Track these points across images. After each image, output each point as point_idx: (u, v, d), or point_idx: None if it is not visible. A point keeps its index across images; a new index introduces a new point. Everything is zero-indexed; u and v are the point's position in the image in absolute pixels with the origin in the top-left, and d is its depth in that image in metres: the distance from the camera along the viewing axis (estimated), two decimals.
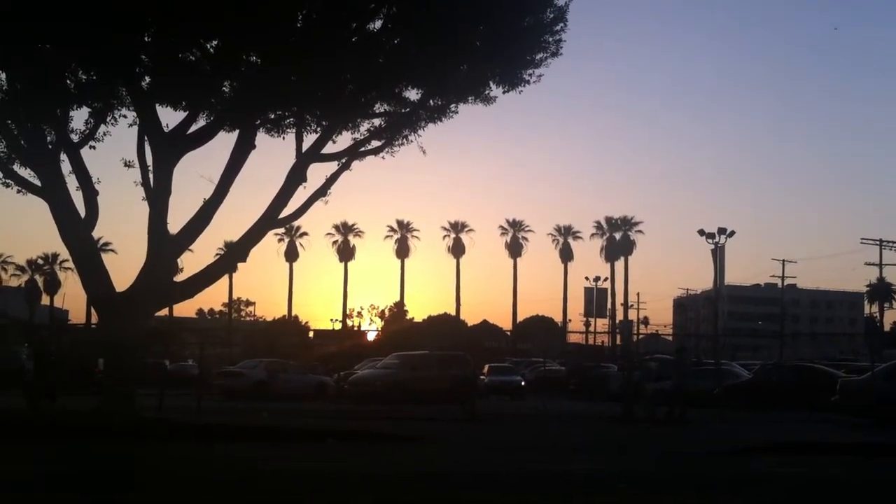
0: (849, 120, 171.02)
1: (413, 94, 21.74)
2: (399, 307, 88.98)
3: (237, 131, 21.11)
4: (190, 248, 22.21)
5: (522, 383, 38.43)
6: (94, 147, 20.97)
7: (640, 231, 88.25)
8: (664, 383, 27.17)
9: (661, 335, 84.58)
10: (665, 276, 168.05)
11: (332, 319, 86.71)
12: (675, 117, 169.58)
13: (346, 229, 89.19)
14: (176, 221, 21.09)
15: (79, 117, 21.12)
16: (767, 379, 30.47)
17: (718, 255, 36.48)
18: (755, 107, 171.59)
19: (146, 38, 19.70)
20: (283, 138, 22.23)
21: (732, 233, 44.91)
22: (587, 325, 66.69)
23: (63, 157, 20.55)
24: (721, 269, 35.51)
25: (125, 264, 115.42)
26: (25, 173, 20.55)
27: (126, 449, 16.01)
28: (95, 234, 21.54)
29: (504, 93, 21.42)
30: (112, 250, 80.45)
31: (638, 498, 11.29)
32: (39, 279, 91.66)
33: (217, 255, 59.97)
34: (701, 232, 45.30)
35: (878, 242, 72.62)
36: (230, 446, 16.78)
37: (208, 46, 20.10)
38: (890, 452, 17.23)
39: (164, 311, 57.13)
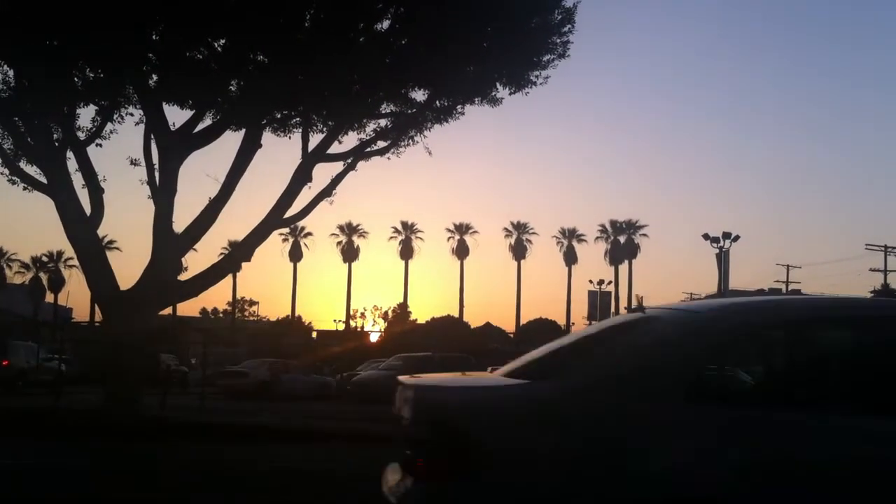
0: (855, 124, 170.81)
1: (419, 95, 21.78)
2: (402, 308, 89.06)
3: (243, 130, 21.13)
4: (194, 247, 22.24)
5: None
6: (100, 145, 21.06)
7: (644, 234, 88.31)
8: None
9: None
10: (669, 280, 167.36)
11: (335, 320, 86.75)
12: (682, 120, 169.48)
13: (350, 230, 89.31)
14: (181, 220, 21.14)
15: (85, 115, 21.24)
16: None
17: (723, 259, 36.45)
18: (761, 110, 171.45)
19: (154, 37, 19.72)
20: (290, 138, 22.29)
21: (737, 237, 44.81)
22: None
23: (69, 154, 20.58)
24: (725, 274, 35.49)
25: (130, 263, 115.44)
26: (32, 170, 20.62)
27: (127, 448, 16.00)
28: (100, 232, 21.59)
29: (511, 94, 21.43)
30: (117, 248, 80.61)
31: None
32: (44, 277, 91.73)
33: (221, 254, 59.93)
34: (706, 236, 45.19)
35: (882, 248, 72.43)
36: (232, 446, 16.76)
37: (216, 45, 20.12)
38: None
39: (168, 310, 57.21)
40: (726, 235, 44.51)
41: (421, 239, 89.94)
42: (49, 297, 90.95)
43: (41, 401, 23.00)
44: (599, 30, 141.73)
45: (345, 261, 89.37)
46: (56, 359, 30.23)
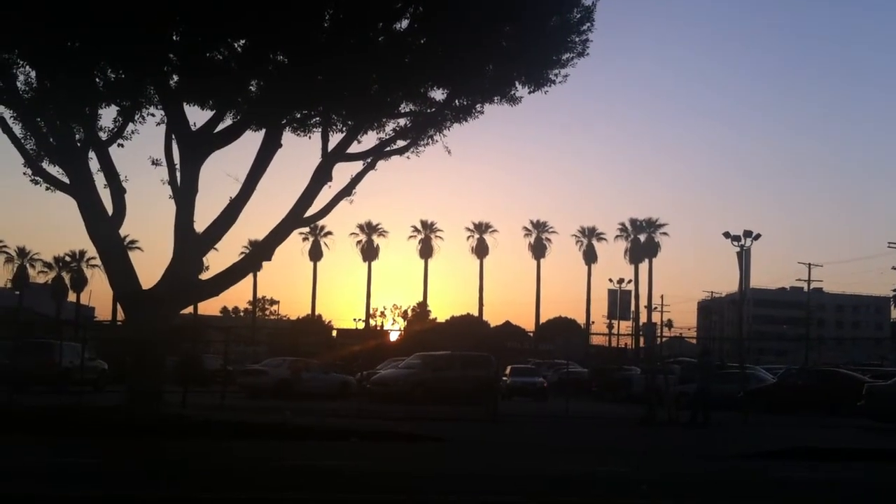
0: (877, 122, 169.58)
1: (439, 94, 21.79)
2: (422, 307, 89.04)
3: (264, 130, 21.22)
4: (215, 246, 22.34)
5: (545, 385, 38.33)
6: (122, 145, 21.19)
7: (664, 233, 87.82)
8: (688, 386, 27.06)
9: (685, 338, 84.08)
10: (690, 279, 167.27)
11: (355, 319, 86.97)
12: (702, 118, 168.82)
13: (370, 229, 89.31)
14: (202, 220, 21.26)
15: (107, 115, 21.34)
16: (792, 383, 30.28)
17: (744, 257, 36.14)
18: (783, 108, 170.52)
19: (174, 37, 19.83)
20: (309, 138, 22.38)
21: (758, 235, 44.36)
22: (610, 327, 66.54)
23: (91, 154, 20.74)
24: (746, 272, 35.19)
25: (151, 262, 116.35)
26: (54, 171, 20.78)
27: (147, 445, 16.13)
28: (122, 231, 21.75)
29: (530, 93, 21.40)
30: (139, 248, 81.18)
31: (661, 501, 11.25)
32: (66, 276, 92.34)
33: (242, 253, 60.23)
34: (726, 234, 44.79)
35: None
36: (254, 443, 16.85)
37: (236, 45, 20.21)
38: None
39: (189, 309, 57.50)
40: (747, 234, 44.11)
41: (440, 238, 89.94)
42: (72, 297, 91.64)
43: (73, 399, 23.12)
44: (619, 28, 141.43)
45: (364, 260, 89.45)
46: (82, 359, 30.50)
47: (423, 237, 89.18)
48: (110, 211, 20.76)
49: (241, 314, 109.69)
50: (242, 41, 20.10)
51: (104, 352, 35.31)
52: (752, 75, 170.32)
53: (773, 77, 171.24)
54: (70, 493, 10.53)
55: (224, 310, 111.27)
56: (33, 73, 20.00)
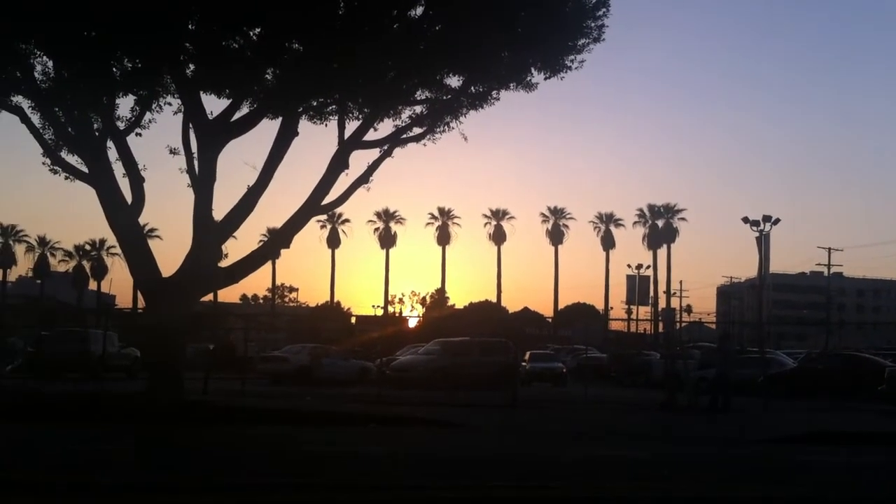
0: None
1: (454, 81, 21.73)
2: (440, 294, 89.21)
3: (280, 119, 21.25)
4: (234, 234, 22.43)
5: (564, 370, 38.31)
6: (139, 134, 21.29)
7: (683, 218, 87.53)
8: (708, 371, 27.00)
9: (705, 323, 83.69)
10: (708, 264, 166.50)
11: (373, 306, 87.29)
12: (720, 103, 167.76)
13: (387, 216, 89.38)
14: (220, 208, 21.35)
15: (125, 105, 21.47)
16: (813, 368, 30.15)
17: (763, 242, 36.00)
18: (801, 92, 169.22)
19: (190, 26, 19.87)
20: (326, 125, 22.39)
21: (777, 220, 44.26)
22: (629, 312, 66.46)
23: (109, 143, 20.84)
24: (766, 257, 35.06)
25: (171, 250, 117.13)
26: (73, 160, 20.89)
27: (170, 432, 16.25)
28: (141, 220, 21.86)
29: (546, 79, 21.33)
30: (158, 236, 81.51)
31: (681, 484, 11.25)
32: (87, 265, 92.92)
33: (260, 241, 60.42)
34: (745, 219, 44.72)
35: None
36: (274, 429, 16.95)
37: (251, 34, 20.23)
38: None
39: (209, 297, 57.84)
40: (766, 218, 43.96)
41: (458, 225, 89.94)
42: (92, 285, 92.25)
43: (107, 386, 23.33)
44: (635, 13, 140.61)
45: (382, 247, 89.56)
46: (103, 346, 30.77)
47: (440, 224, 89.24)
48: (129, 200, 20.86)
49: (261, 301, 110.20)
50: (258, 30, 20.11)
51: (126, 339, 35.63)
52: (771, 59, 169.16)
53: (792, 61, 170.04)
54: (92, 479, 10.63)
55: (244, 297, 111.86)
56: (51, 64, 20.12)
